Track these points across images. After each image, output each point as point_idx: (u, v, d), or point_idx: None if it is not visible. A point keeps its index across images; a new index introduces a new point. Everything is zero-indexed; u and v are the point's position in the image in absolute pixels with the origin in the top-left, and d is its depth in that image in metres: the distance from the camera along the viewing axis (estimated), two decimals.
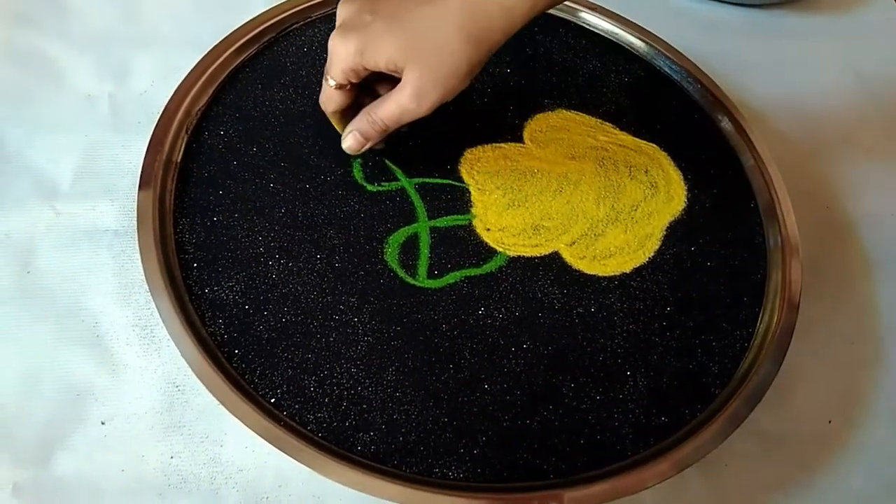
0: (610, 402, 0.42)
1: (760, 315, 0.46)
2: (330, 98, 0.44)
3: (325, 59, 0.52)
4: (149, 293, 0.41)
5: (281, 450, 0.37)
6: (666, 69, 0.57)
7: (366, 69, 0.41)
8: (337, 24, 0.42)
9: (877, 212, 0.57)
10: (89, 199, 0.48)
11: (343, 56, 0.41)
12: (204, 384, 0.38)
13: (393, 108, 0.41)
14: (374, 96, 0.44)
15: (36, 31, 0.56)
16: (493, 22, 0.39)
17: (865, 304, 0.52)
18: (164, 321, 0.40)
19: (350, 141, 0.45)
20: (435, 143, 0.50)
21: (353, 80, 0.42)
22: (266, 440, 0.37)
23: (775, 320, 0.46)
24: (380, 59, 0.40)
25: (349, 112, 0.45)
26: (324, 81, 0.43)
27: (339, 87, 0.43)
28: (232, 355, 0.40)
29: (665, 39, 0.58)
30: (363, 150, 0.45)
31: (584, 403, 0.41)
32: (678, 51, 0.57)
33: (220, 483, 0.40)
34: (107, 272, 0.46)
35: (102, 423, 0.41)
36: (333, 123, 0.46)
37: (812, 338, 0.49)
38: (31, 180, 0.48)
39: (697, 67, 0.57)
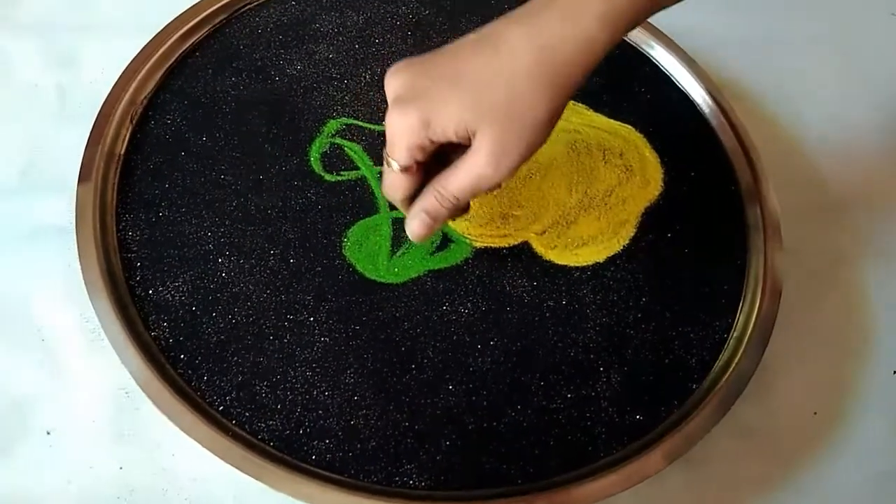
0: (582, 400, 0.39)
1: (741, 304, 0.44)
2: (395, 185, 0.37)
3: (281, 41, 0.50)
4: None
5: (229, 462, 0.35)
6: (642, 46, 0.54)
7: (433, 142, 0.35)
8: (390, 99, 0.35)
9: (863, 194, 0.55)
10: (36, 195, 0.46)
11: (405, 131, 0.34)
12: (146, 393, 0.36)
13: (467, 177, 0.35)
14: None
15: None
16: (569, 58, 0.33)
17: (851, 290, 0.50)
18: (103, 326, 0.37)
19: (416, 226, 0.37)
20: None
21: (420, 159, 0.36)
22: (213, 453, 0.35)
23: (756, 309, 0.43)
24: (448, 126, 0.34)
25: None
26: (384, 167, 0.37)
27: (405, 169, 0.36)
28: (178, 361, 0.38)
29: None
30: (432, 233, 0.38)
31: (554, 402, 0.39)
32: (654, 26, 0.55)
33: (172, 495, 0.38)
34: (52, 272, 0.44)
35: (48, 433, 0.39)
36: (402, 211, 0.39)
37: (795, 327, 0.47)
38: None
39: (675, 44, 0.54)
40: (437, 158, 0.37)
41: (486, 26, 0.35)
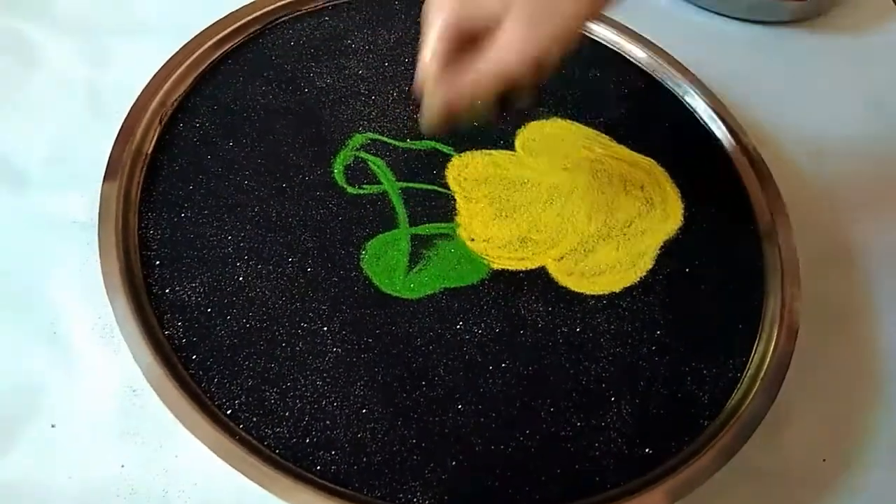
0: (591, 429, 0.39)
1: (756, 344, 0.44)
2: (427, 71, 0.37)
3: (312, 55, 0.51)
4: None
5: (233, 466, 0.34)
6: (668, 82, 0.55)
7: (469, 20, 0.35)
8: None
9: (884, 243, 0.54)
10: (58, 189, 0.46)
11: (441, 8, 0.35)
12: (155, 391, 0.36)
13: (489, 60, 0.35)
14: None
15: (19, 14, 0.54)
16: None
17: (866, 338, 0.50)
18: (118, 321, 0.37)
19: (431, 108, 0.37)
20: (422, 146, 0.48)
21: (452, 40, 0.36)
22: (218, 455, 0.34)
23: (771, 350, 0.43)
24: (485, 2, 0.34)
25: None
26: (420, 57, 0.37)
27: (437, 51, 0.36)
28: (189, 361, 0.37)
29: (668, 51, 0.56)
30: (446, 124, 0.38)
31: (563, 430, 0.39)
32: (681, 63, 0.55)
33: (173, 496, 0.38)
34: (70, 265, 0.44)
35: (52, 426, 0.39)
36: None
37: (808, 370, 0.47)
38: (0, 165, 0.46)
39: (700, 82, 0.54)
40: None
41: None
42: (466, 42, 0.36)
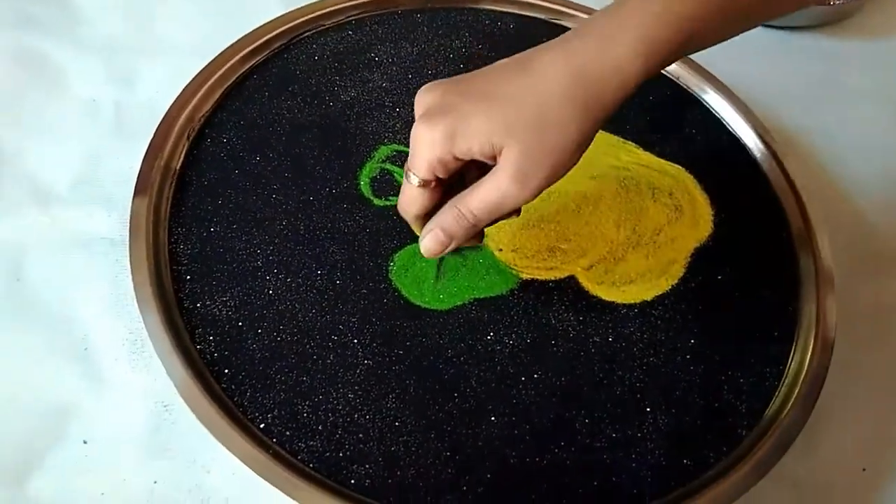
0: (627, 440, 0.38)
1: (792, 352, 0.43)
2: (412, 199, 0.36)
3: (336, 69, 0.51)
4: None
5: (267, 480, 0.34)
6: (693, 88, 0.54)
7: (456, 158, 0.34)
8: (418, 114, 0.35)
9: None
10: (86, 207, 0.47)
11: (429, 144, 0.34)
12: (188, 405, 0.35)
13: (489, 193, 0.34)
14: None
15: (45, 36, 0.55)
16: (602, 85, 0.33)
17: None
18: (150, 336, 0.37)
19: (430, 241, 0.37)
20: None
21: (441, 175, 0.35)
22: (252, 469, 0.34)
23: (808, 358, 0.42)
24: (473, 142, 0.33)
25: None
26: (404, 181, 0.37)
27: (424, 184, 0.35)
28: (221, 375, 0.37)
29: (692, 58, 0.55)
30: (446, 252, 0.37)
31: (598, 441, 0.38)
32: (706, 70, 0.55)
33: None
34: (100, 283, 0.44)
35: (84, 443, 0.39)
36: (415, 230, 0.39)
37: (846, 378, 0.46)
38: (28, 185, 0.47)
39: (726, 87, 0.54)
40: (455, 185, 0.37)
41: (523, 52, 0.35)
42: (453, 174, 0.36)
